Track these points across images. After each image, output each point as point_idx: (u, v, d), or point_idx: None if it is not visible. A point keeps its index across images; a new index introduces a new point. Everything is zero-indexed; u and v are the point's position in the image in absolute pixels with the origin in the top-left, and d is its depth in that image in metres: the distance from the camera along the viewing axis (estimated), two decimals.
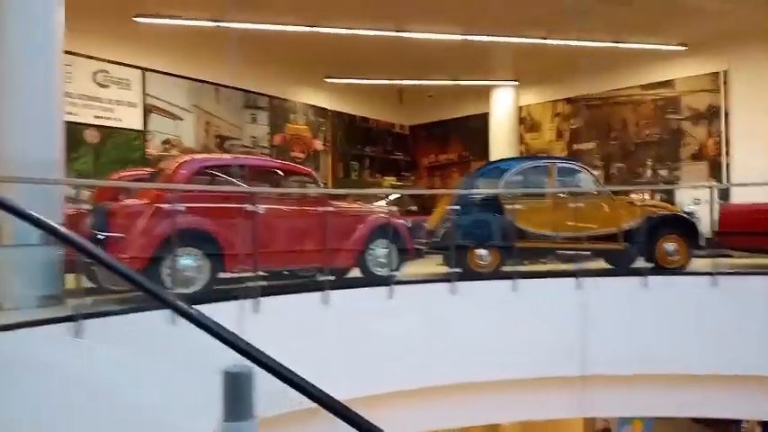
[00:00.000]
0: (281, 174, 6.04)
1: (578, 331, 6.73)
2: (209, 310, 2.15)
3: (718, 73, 11.79)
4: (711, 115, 11.91)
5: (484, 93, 15.05)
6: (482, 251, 6.95)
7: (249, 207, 5.28)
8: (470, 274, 6.83)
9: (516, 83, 14.59)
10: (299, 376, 2.06)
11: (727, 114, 11.70)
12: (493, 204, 7.05)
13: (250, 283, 5.22)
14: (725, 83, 11.69)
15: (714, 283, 6.65)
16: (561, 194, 7.12)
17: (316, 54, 12.20)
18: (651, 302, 6.76)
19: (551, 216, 7.02)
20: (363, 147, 15.92)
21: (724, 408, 7.08)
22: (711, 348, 6.58)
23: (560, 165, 7.29)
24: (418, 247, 7.12)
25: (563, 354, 6.63)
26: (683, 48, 11.77)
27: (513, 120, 14.80)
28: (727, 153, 11.65)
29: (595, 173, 7.44)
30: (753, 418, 9.35)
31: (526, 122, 14.86)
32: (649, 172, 12.66)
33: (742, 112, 11.51)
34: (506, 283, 6.73)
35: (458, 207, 6.95)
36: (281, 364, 2.06)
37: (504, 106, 14.84)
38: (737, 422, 10.41)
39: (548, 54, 12.91)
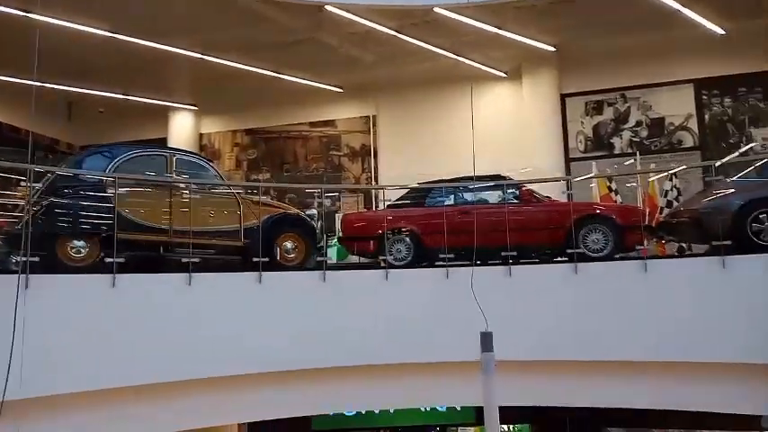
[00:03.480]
0: None
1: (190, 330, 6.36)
2: None
3: (368, 116, 13.48)
4: (364, 153, 13.48)
5: (162, 115, 14.38)
6: (78, 241, 6.09)
7: None
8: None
9: (195, 108, 14.34)
10: None
11: (375, 153, 13.38)
12: (97, 191, 6.32)
13: None
14: (374, 125, 13.42)
15: (322, 278, 7.04)
16: (179, 187, 6.81)
17: None
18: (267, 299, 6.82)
19: (166, 209, 6.61)
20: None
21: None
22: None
23: (180, 157, 7.02)
24: None
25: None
26: (340, 90, 13.21)
27: (193, 146, 14.35)
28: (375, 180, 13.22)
29: (220, 170, 7.37)
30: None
31: (207, 150, 14.58)
32: (316, 203, 13.49)
33: (386, 151, 13.29)
34: (107, 278, 5.99)
35: (51, 190, 6.03)
36: None
37: (183, 131, 14.37)
38: None
39: (226, 82, 13.07)
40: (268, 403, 6.97)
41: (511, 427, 11.32)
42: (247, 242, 7.02)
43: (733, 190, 6.66)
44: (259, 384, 6.78)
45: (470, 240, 7.53)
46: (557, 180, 7.79)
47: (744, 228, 6.38)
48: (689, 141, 11.44)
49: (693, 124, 11.46)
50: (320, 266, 7.03)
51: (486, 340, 5.74)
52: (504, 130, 12.46)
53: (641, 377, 6.85)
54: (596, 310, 6.79)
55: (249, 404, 6.88)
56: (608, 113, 12.02)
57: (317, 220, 7.77)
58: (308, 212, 7.88)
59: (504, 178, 7.83)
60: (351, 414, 10.34)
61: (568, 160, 11.91)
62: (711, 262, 6.40)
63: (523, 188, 7.78)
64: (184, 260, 6.36)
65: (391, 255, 7.64)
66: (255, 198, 7.33)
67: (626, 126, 11.87)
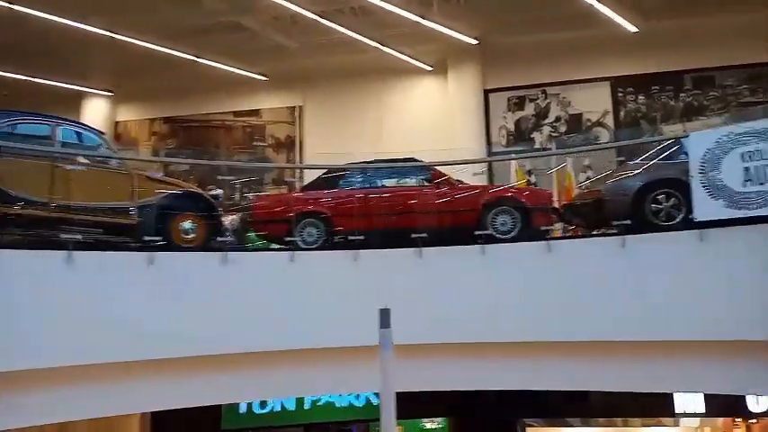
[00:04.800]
0: None
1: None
2: None
3: (295, 107, 13.19)
4: (289, 144, 13.15)
5: (75, 101, 13.58)
6: None
7: None
8: None
9: (110, 94, 13.61)
10: None
11: (301, 144, 13.08)
12: None
13: None
14: (300, 116, 13.12)
15: (224, 260, 6.66)
16: (63, 159, 6.29)
17: None
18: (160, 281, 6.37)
19: (46, 181, 6.07)
20: None
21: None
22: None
23: (67, 126, 6.49)
24: None
25: None
26: (265, 78, 12.87)
27: (107, 134, 13.60)
28: (301, 178, 12.85)
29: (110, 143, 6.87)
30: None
31: (122, 139, 13.85)
32: (238, 195, 13.00)
33: (313, 143, 13.01)
34: None
35: None
36: None
37: (97, 119, 13.52)
38: None
39: (144, 67, 12.48)
40: (160, 393, 6.49)
41: (431, 424, 11.12)
42: (141, 220, 6.54)
43: (634, 172, 6.76)
44: (150, 372, 6.32)
45: (382, 223, 7.40)
46: (465, 163, 7.73)
47: (643, 208, 6.47)
48: (605, 137, 11.76)
49: (610, 120, 11.80)
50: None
51: (385, 316, 5.53)
52: (430, 123, 12.46)
53: (549, 359, 6.82)
54: (503, 292, 6.71)
55: (138, 394, 6.38)
56: (529, 109, 12.22)
57: (223, 201, 7.35)
58: (211, 192, 7.44)
59: (417, 162, 7.71)
60: (262, 411, 9.89)
61: (491, 154, 11.98)
62: (612, 242, 6.44)
63: (435, 171, 7.68)
64: (64, 237, 5.85)
65: (301, 237, 7.36)
66: (152, 175, 6.87)
67: (546, 121, 12.10)
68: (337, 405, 10.17)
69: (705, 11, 10.97)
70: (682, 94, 11.51)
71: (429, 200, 7.29)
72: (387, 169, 7.81)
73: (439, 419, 10.97)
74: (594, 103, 11.86)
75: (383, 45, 11.60)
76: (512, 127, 12.26)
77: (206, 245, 6.90)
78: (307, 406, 10.09)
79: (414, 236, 6.93)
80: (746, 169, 5.77)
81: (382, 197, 7.48)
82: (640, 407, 10.19)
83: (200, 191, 7.36)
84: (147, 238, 6.28)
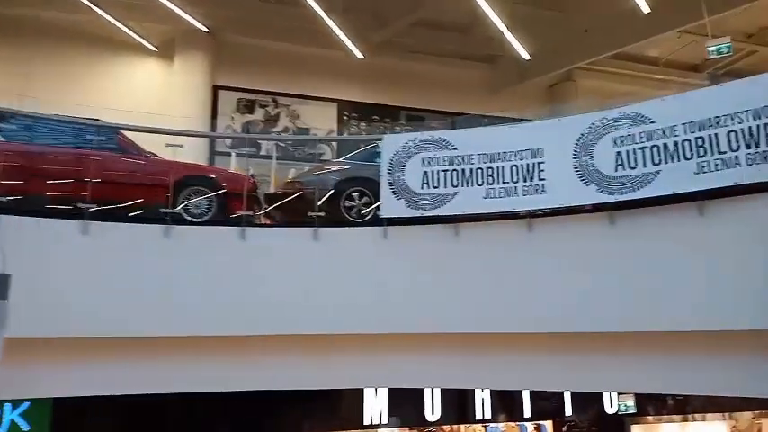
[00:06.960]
0: None
1: None
2: None
3: None
4: None
5: None
6: None
7: None
8: None
9: None
10: None
11: None
12: None
13: None
14: None
15: None
16: None
17: None
18: None
19: None
20: None
21: None
22: None
23: None
24: None
25: None
26: None
27: None
28: None
29: None
30: None
31: None
32: None
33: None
34: None
35: None
36: None
37: None
38: None
39: None
40: None
41: None
42: None
43: (334, 169, 6.80)
44: None
45: (42, 188, 6.01)
46: (159, 132, 6.80)
47: (338, 204, 6.49)
48: (328, 154, 12.05)
49: None
50: None
51: (2, 284, 4.26)
52: (151, 108, 11.08)
53: (223, 356, 6.17)
54: (187, 280, 5.91)
55: None
56: (259, 114, 11.92)
57: None
58: None
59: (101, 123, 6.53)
60: None
61: (214, 153, 11.21)
62: (306, 232, 6.23)
63: (123, 139, 6.61)
64: None
65: None
66: None
67: (274, 130, 11.93)
68: None
69: (421, 59, 12.32)
70: (397, 128, 12.56)
71: (106, 168, 6.17)
72: (59, 128, 6.42)
73: None
74: (322, 120, 12.15)
75: (97, 6, 10.05)
76: (239, 129, 11.74)
77: None
78: None
79: (81, 206, 5.74)
80: (425, 173, 6.18)
81: (44, 158, 6.07)
82: (333, 420, 10.13)
83: None
84: None
